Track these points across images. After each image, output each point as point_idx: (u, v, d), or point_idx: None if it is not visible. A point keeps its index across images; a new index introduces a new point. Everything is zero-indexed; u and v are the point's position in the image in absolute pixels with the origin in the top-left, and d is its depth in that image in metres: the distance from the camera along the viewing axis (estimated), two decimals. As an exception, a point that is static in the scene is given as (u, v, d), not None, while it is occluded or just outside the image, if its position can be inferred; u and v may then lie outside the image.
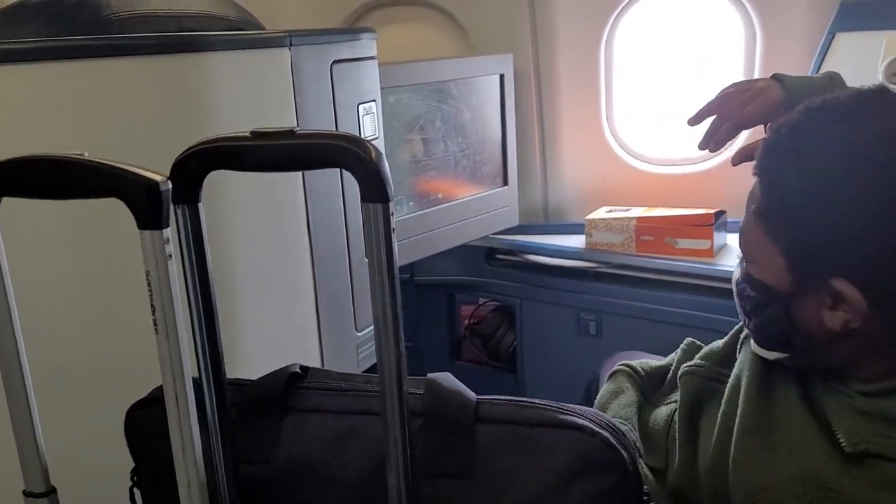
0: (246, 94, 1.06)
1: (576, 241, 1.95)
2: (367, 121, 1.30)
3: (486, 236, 2.00)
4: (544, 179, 2.14)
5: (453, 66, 1.80)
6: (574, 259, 1.93)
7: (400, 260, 1.84)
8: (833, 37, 1.68)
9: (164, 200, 0.59)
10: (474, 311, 2.28)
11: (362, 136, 1.30)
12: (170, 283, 0.61)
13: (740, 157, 1.02)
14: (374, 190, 0.59)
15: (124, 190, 0.58)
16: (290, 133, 0.60)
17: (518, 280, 2.03)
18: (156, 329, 0.62)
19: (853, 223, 0.76)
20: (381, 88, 1.45)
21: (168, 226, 0.60)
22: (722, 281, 1.67)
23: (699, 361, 1.00)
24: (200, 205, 0.64)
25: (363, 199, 0.60)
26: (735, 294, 0.91)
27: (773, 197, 0.82)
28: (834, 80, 1.00)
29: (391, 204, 0.59)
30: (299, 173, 1.12)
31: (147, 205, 0.59)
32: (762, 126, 1.01)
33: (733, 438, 0.86)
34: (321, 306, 1.19)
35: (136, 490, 0.82)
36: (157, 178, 0.59)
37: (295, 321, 1.17)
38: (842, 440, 0.79)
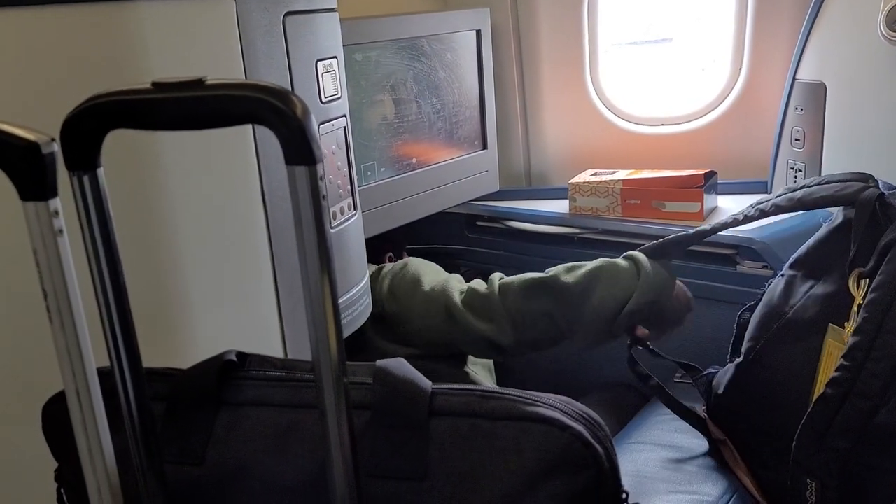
0: (184, 50, 0.95)
1: (559, 207, 1.86)
2: (328, 79, 1.20)
3: (466, 203, 1.91)
4: (526, 142, 2.05)
5: (425, 21, 1.69)
6: (558, 225, 1.83)
7: (375, 229, 1.73)
8: (830, -16, 1.58)
9: (48, 165, 0.50)
10: (456, 281, 2.19)
11: (322, 96, 1.20)
12: (61, 264, 0.52)
13: None
14: (300, 150, 0.50)
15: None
16: (198, 83, 0.51)
17: (500, 248, 1.94)
18: (49, 317, 0.54)
19: None
20: (347, 45, 1.35)
21: (56, 195, 0.51)
22: (712, 245, 1.59)
23: None
24: (101, 171, 0.54)
25: (287, 162, 0.50)
26: None
27: None
28: None
29: (319, 166, 0.50)
30: (248, 131, 1.02)
31: (26, 171, 0.49)
32: None
33: None
34: (281, 284, 1.09)
35: (63, 492, 0.74)
36: (39, 138, 0.49)
37: (251, 302, 1.07)
38: None
